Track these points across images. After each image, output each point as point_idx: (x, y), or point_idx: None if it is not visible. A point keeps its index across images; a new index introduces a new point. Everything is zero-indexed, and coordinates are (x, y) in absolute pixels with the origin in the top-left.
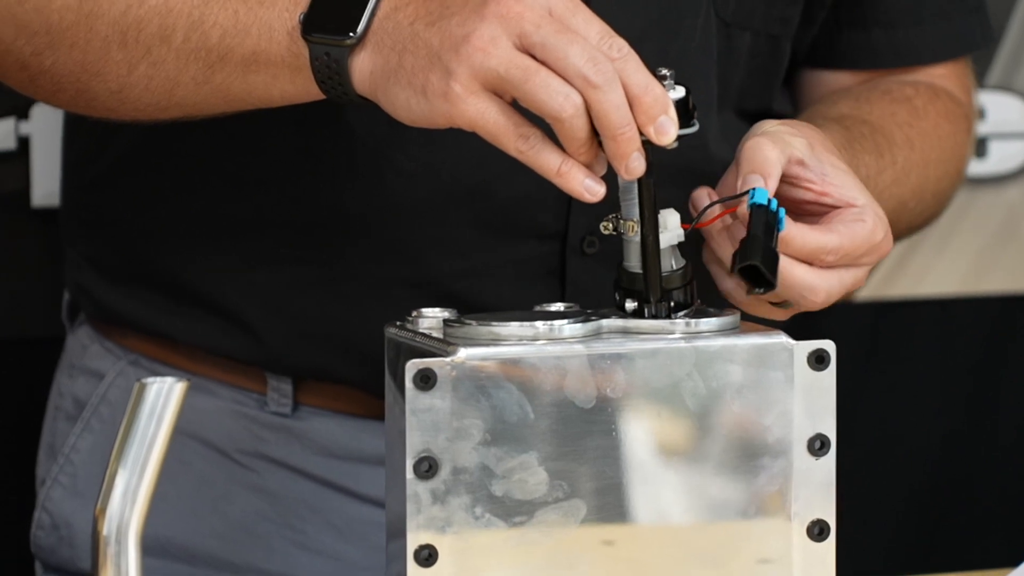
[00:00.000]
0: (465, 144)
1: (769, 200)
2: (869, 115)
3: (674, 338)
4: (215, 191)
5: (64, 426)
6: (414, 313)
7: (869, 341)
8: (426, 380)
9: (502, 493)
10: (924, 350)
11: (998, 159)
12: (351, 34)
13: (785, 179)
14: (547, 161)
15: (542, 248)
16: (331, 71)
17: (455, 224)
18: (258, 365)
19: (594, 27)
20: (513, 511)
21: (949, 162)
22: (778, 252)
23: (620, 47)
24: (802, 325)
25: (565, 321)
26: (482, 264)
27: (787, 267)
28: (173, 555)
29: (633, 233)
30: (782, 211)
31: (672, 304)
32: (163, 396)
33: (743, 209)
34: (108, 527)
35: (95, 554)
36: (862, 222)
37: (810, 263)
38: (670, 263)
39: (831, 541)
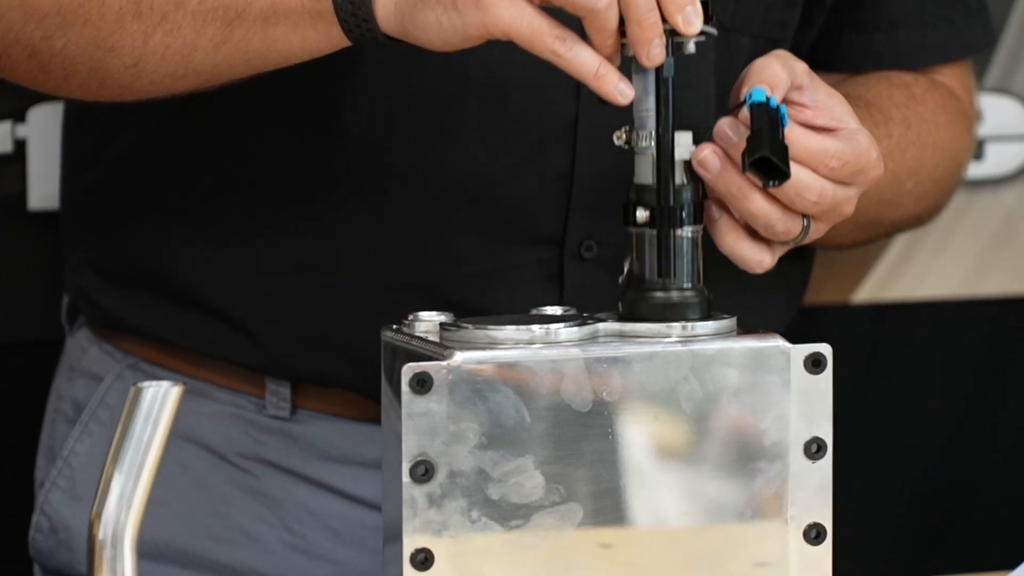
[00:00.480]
0: (463, 149)
1: (768, 98)
2: (865, 93)
3: (670, 342)
4: (213, 195)
5: (63, 429)
6: (410, 317)
7: (868, 344)
8: (422, 384)
9: (498, 497)
10: (923, 353)
11: (996, 161)
12: None
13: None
14: (585, 62)
15: (540, 253)
16: (355, 7)
17: (453, 229)
18: (256, 369)
19: None
20: (509, 515)
21: (947, 150)
22: (786, 143)
23: None
24: (800, 328)
25: (561, 325)
26: (480, 269)
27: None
28: (171, 558)
29: (646, 144)
30: (783, 108)
31: (682, 216)
32: (159, 400)
33: (744, 112)
34: (104, 531)
35: (91, 558)
36: (857, 140)
37: (813, 168)
38: (681, 178)
39: (828, 544)
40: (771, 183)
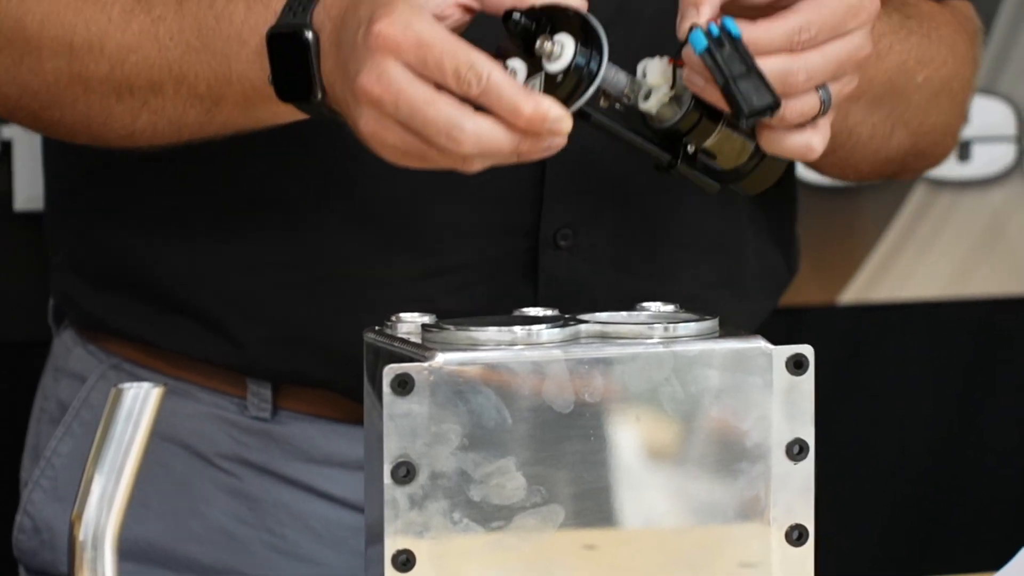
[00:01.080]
0: None
1: (708, 32)
2: None
3: (652, 343)
4: (188, 197)
5: (48, 429)
6: (393, 318)
7: (854, 345)
8: (403, 385)
9: (480, 498)
10: (910, 353)
11: (982, 162)
12: (314, 97)
13: None
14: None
15: (516, 243)
16: (321, 113)
17: (427, 223)
18: (237, 369)
19: (448, 65)
20: (491, 516)
21: (952, 51)
22: (758, 71)
23: (478, 77)
24: (786, 329)
25: (543, 326)
26: (456, 262)
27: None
28: (153, 559)
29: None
30: (727, 23)
31: (692, 153)
32: (139, 401)
33: (694, 59)
34: (84, 532)
35: (71, 559)
36: None
37: (788, 52)
38: (674, 112)
39: (810, 546)
40: (768, 115)
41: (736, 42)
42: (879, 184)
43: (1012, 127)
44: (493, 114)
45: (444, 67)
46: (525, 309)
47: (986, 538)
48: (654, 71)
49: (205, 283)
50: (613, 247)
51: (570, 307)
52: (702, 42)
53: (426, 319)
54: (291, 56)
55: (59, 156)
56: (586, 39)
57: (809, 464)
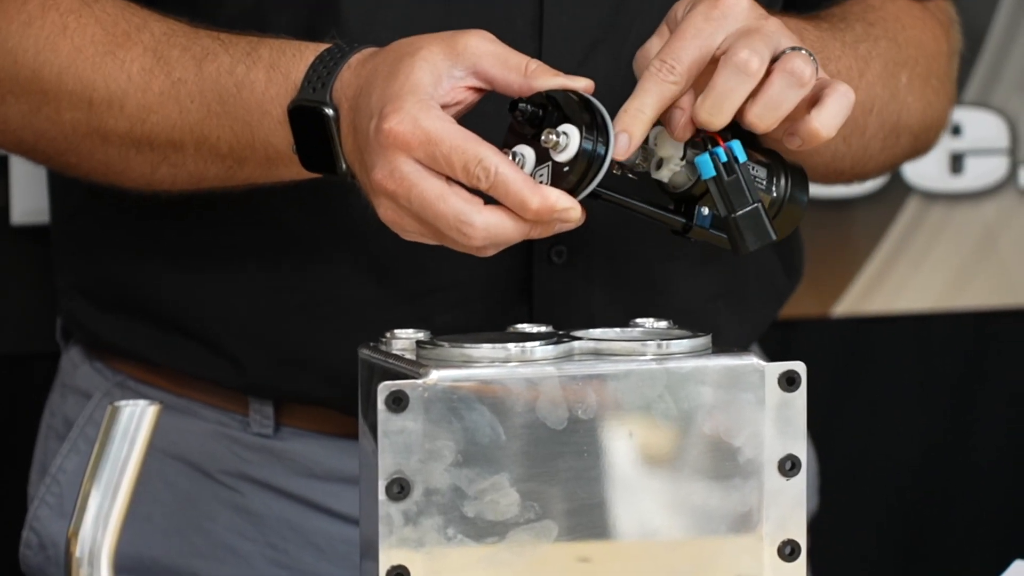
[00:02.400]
0: None
1: (714, 156)
2: (814, 14)
3: (646, 359)
4: (187, 223)
5: (54, 445)
6: (387, 335)
7: (848, 357)
8: (398, 402)
9: (474, 514)
10: (903, 365)
11: (975, 175)
12: (339, 171)
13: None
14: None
15: (510, 260)
16: (346, 181)
17: (422, 245)
18: (239, 389)
19: (457, 161)
20: (485, 532)
21: (921, 48)
22: (761, 203)
23: (487, 172)
24: (779, 341)
25: (537, 343)
26: (450, 280)
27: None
28: (156, 574)
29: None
30: (734, 148)
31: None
32: (136, 419)
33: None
34: (81, 549)
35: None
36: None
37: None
38: (687, 180)
39: (802, 561)
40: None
41: (741, 168)
42: (872, 197)
43: (1005, 140)
44: (503, 206)
45: (453, 162)
46: (519, 326)
47: (977, 548)
48: (665, 143)
49: (206, 307)
50: (608, 262)
51: (566, 323)
52: (709, 169)
53: (420, 335)
54: (314, 130)
55: (63, 179)
56: (592, 121)
57: (801, 480)
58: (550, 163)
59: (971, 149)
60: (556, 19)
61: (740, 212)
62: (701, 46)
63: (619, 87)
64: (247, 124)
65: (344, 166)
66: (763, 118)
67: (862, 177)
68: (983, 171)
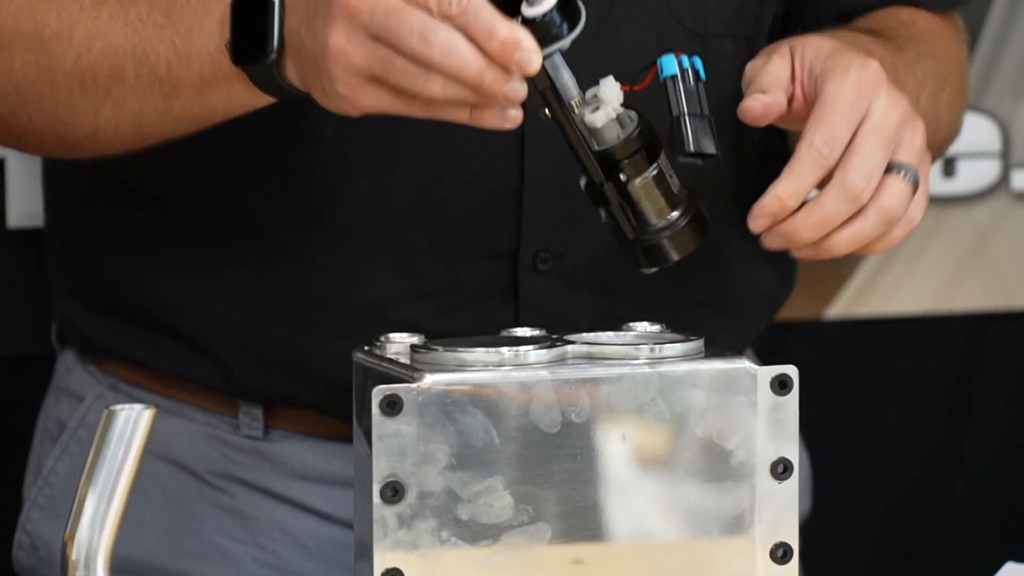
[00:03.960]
0: (414, 169)
1: (679, 61)
2: (864, 26)
3: (638, 363)
4: (175, 226)
5: (48, 448)
6: (382, 338)
7: (840, 360)
8: (392, 405)
9: (468, 517)
10: (896, 368)
11: (967, 178)
12: (269, 53)
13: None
14: (456, 115)
15: (496, 267)
16: (271, 84)
17: (407, 247)
18: (228, 393)
19: None
20: (479, 535)
21: (953, 60)
22: (710, 120)
23: (459, 1)
24: (772, 344)
25: (530, 347)
26: (436, 285)
27: None
28: None
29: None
30: (697, 63)
31: (624, 177)
32: (131, 423)
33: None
34: (77, 552)
35: None
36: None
37: (827, 169)
38: (616, 134)
39: (794, 564)
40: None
41: (700, 83)
42: None
43: (997, 143)
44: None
45: None
46: (512, 329)
47: (971, 551)
48: (607, 86)
49: (195, 311)
50: (593, 269)
51: (551, 330)
52: (672, 67)
53: (415, 339)
54: (254, 15)
55: (53, 178)
56: (565, 5)
57: (793, 483)
58: (519, 18)
59: (963, 152)
60: None
61: (691, 114)
62: (853, 123)
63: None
64: (188, 30)
65: (274, 52)
66: (816, 232)
67: None
68: (975, 174)
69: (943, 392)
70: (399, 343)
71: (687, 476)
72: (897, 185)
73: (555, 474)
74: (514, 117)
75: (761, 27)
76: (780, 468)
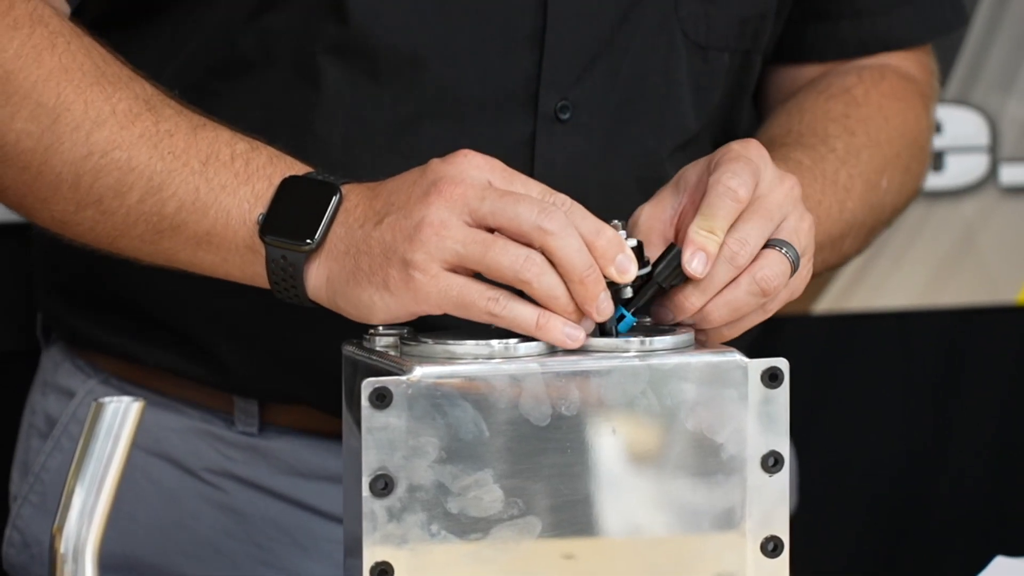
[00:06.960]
0: (407, 168)
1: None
2: (798, 124)
3: (629, 356)
4: None
5: (36, 443)
6: (371, 331)
7: (828, 353)
8: (382, 398)
9: (458, 510)
10: (883, 362)
11: (955, 173)
12: (308, 241)
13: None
14: (522, 317)
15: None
16: (286, 274)
17: None
18: (222, 388)
19: (534, 187)
20: (469, 528)
21: (903, 137)
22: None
23: (563, 200)
24: (760, 338)
25: (520, 340)
26: None
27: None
28: (141, 573)
29: None
30: (622, 327)
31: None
32: (120, 416)
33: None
34: (65, 545)
35: (52, 572)
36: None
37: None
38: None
39: (785, 557)
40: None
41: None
42: None
43: (985, 137)
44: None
45: (532, 187)
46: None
47: (958, 546)
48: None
49: (188, 307)
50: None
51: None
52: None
53: (404, 332)
54: (304, 199)
55: None
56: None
57: (783, 476)
58: None
59: (951, 147)
60: (558, 33)
61: None
62: (767, 227)
63: (614, 101)
64: (222, 187)
65: (315, 242)
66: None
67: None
68: (963, 168)
69: (930, 386)
70: (388, 336)
71: (677, 469)
72: (773, 257)
73: (545, 467)
74: (575, 338)
75: (758, 44)
76: (771, 461)
